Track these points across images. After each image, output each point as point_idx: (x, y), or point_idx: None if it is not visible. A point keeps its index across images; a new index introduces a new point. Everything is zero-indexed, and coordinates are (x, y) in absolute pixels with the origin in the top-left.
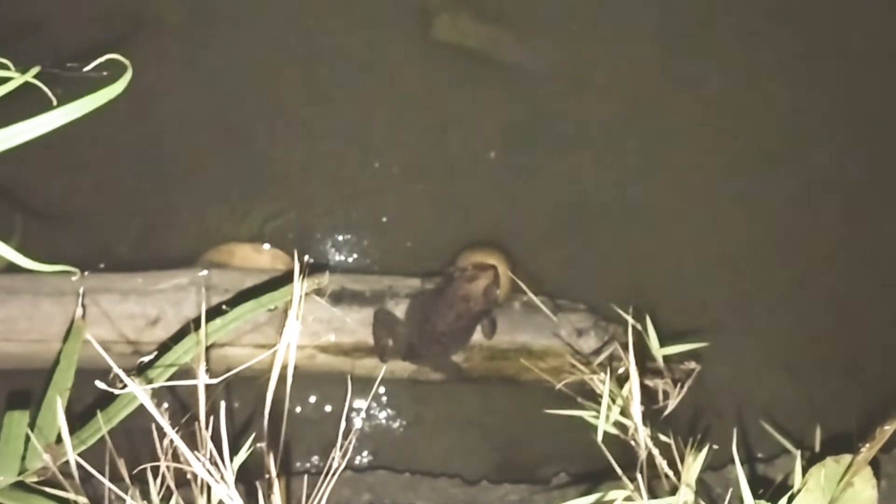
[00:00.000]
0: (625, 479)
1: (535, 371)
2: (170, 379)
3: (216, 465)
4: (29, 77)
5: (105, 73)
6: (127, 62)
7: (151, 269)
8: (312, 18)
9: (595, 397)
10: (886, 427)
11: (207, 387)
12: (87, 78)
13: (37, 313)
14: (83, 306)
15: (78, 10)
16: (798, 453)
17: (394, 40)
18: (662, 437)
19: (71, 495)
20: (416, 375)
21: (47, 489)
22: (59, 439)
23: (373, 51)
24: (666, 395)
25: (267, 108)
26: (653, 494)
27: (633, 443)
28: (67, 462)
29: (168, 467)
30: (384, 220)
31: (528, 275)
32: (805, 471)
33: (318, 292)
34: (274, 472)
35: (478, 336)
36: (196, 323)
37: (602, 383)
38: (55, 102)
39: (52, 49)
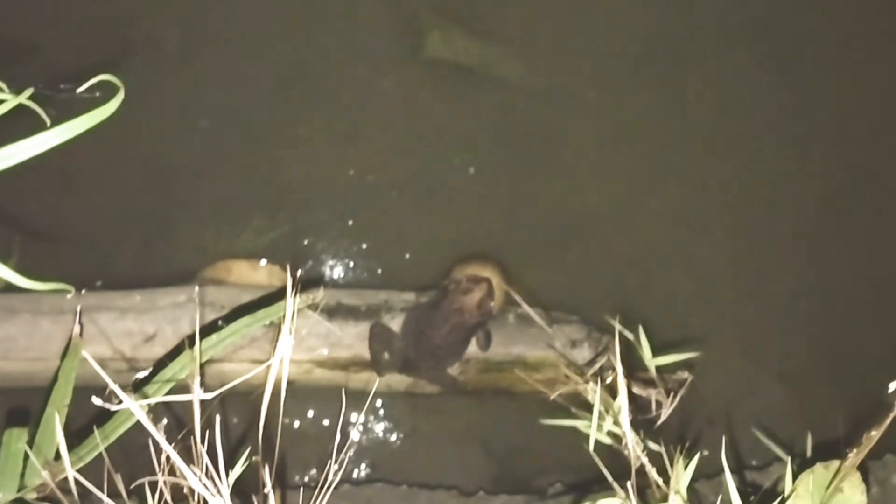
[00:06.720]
0: (616, 487)
1: (529, 382)
2: (166, 395)
3: (212, 479)
4: (23, 99)
5: (98, 94)
6: (119, 83)
7: (149, 287)
8: (304, 37)
9: (589, 407)
10: (873, 433)
11: (203, 402)
12: (80, 99)
13: (36, 332)
14: (81, 324)
15: (71, 32)
16: (788, 460)
17: (385, 58)
18: (654, 446)
19: None
20: (412, 388)
21: None
22: (57, 456)
23: (365, 68)
24: (659, 405)
25: (260, 125)
26: (645, 503)
27: (625, 452)
28: (66, 478)
29: (165, 482)
30: (379, 234)
31: (522, 287)
32: (796, 477)
33: (313, 307)
34: (269, 486)
35: (473, 348)
36: (192, 339)
37: (595, 393)
38: (49, 123)
39: (45, 71)
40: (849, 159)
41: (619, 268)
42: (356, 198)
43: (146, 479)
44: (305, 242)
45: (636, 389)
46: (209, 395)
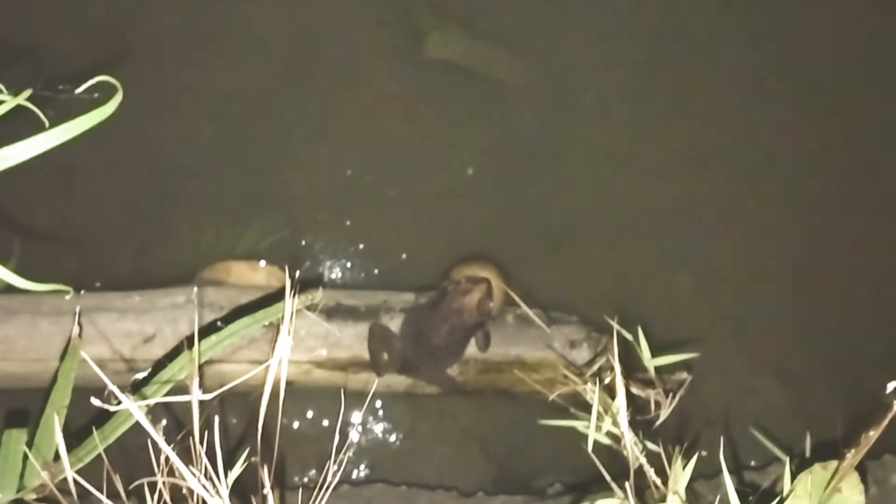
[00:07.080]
0: (615, 487)
1: (529, 383)
2: (165, 396)
3: (211, 479)
4: (21, 100)
5: (96, 95)
6: (117, 84)
7: (148, 288)
8: (304, 38)
9: (588, 408)
10: (871, 433)
11: (202, 403)
12: (79, 100)
13: (35, 333)
14: (80, 325)
15: (70, 33)
16: (787, 460)
17: (386, 59)
18: (653, 447)
19: None
20: (411, 389)
21: None
22: (56, 457)
23: (365, 69)
24: (657, 405)
25: (260, 127)
26: (644, 503)
27: (624, 452)
28: (65, 479)
29: (164, 483)
30: (378, 235)
31: (521, 288)
32: (794, 477)
33: (312, 308)
34: (268, 487)
35: (472, 349)
36: (191, 340)
37: (593, 394)
38: (47, 124)
39: (44, 71)
40: (850, 159)
41: (618, 268)
42: (355, 198)
43: (145, 480)
44: (304, 243)
45: (635, 390)
46: (208, 396)
